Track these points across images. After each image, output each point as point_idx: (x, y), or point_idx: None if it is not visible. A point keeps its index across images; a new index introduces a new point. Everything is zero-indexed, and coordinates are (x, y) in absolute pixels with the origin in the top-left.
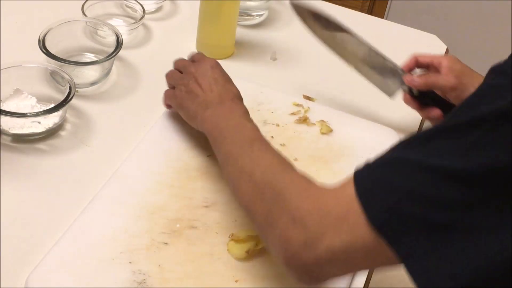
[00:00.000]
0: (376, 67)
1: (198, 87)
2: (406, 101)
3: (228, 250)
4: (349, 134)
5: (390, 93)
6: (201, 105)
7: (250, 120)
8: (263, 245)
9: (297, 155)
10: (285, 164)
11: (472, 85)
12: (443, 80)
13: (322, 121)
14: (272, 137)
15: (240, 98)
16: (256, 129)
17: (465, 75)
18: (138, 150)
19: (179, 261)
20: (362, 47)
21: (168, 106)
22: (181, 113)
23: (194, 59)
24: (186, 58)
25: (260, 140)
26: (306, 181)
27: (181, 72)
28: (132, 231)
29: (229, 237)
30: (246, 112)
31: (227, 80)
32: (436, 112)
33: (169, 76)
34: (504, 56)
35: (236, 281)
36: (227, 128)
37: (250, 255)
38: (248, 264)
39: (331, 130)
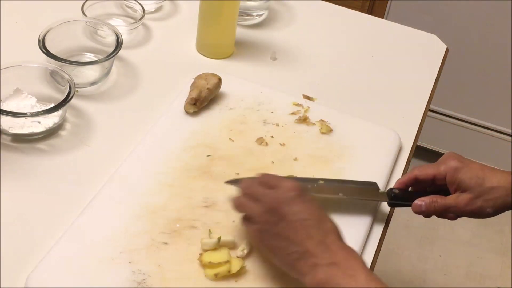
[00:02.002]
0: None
1: (289, 229)
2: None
3: (201, 265)
4: (349, 134)
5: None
6: (300, 259)
7: (379, 280)
8: (234, 271)
9: (297, 155)
10: None
11: (491, 181)
12: (454, 201)
13: (322, 121)
14: (272, 136)
15: (342, 236)
16: None
17: (481, 182)
18: (138, 150)
19: (179, 261)
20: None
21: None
22: (269, 256)
23: (267, 182)
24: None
25: None
26: None
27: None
28: (132, 231)
29: (200, 254)
30: (366, 266)
31: (318, 212)
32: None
33: (239, 204)
34: (503, 56)
35: (236, 281)
36: None
37: (219, 278)
38: (247, 264)
39: (331, 130)
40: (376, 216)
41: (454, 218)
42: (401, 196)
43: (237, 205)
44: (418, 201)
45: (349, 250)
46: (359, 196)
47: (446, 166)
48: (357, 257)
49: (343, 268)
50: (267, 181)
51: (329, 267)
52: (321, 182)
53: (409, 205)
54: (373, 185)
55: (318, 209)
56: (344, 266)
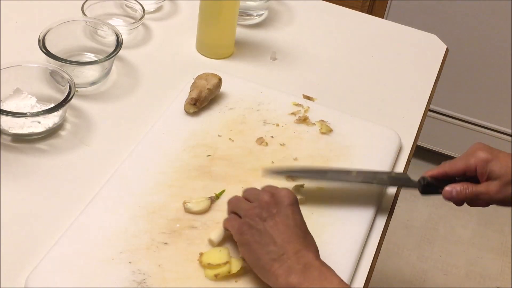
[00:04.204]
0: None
1: (275, 229)
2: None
3: (201, 265)
4: (348, 134)
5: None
6: (277, 260)
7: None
8: (234, 272)
9: (297, 155)
10: None
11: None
12: (485, 189)
13: (322, 121)
14: (272, 136)
15: (318, 254)
16: None
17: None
18: (138, 150)
19: (179, 261)
20: (359, 175)
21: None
22: (244, 252)
23: (268, 190)
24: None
25: None
26: None
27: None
28: (132, 231)
29: (199, 254)
30: (339, 277)
31: (305, 227)
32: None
33: (233, 202)
34: (503, 56)
35: (236, 281)
36: None
37: (219, 279)
38: (247, 264)
39: (331, 130)
40: (376, 216)
41: (486, 205)
42: (433, 184)
43: (232, 201)
44: (448, 187)
45: (323, 263)
46: (391, 184)
47: (476, 159)
48: (332, 269)
49: (318, 273)
50: (268, 188)
51: (304, 272)
52: (354, 173)
53: (441, 193)
54: (405, 175)
55: (305, 225)
56: (319, 271)
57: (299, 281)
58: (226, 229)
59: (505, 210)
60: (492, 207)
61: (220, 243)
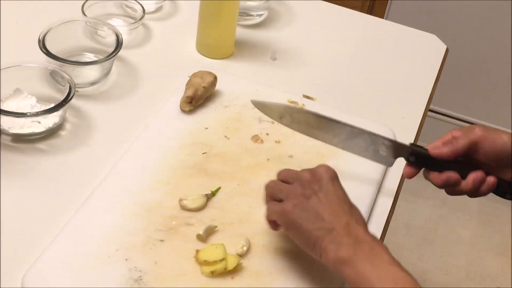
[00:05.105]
0: (363, 143)
1: (320, 205)
2: (408, 176)
3: (197, 262)
4: None
5: (387, 164)
6: (327, 235)
7: (401, 267)
8: (230, 268)
9: (292, 152)
10: None
11: (499, 135)
12: (469, 136)
13: None
14: (267, 134)
15: (366, 227)
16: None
17: (486, 129)
18: (133, 148)
19: (175, 258)
20: (343, 128)
21: (274, 225)
22: (293, 234)
23: (305, 169)
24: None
25: None
26: None
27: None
28: (128, 229)
29: (195, 251)
30: (390, 254)
31: (349, 201)
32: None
33: (272, 186)
34: (503, 56)
35: (232, 277)
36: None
37: (215, 275)
38: (244, 261)
39: None
40: (376, 216)
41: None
42: (426, 156)
43: (270, 185)
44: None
45: (374, 237)
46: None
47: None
48: (383, 245)
49: (369, 248)
50: (305, 169)
51: (354, 246)
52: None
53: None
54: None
55: (348, 198)
56: (369, 246)
57: (349, 256)
58: (271, 224)
59: (505, 210)
60: (492, 206)
61: (208, 237)
